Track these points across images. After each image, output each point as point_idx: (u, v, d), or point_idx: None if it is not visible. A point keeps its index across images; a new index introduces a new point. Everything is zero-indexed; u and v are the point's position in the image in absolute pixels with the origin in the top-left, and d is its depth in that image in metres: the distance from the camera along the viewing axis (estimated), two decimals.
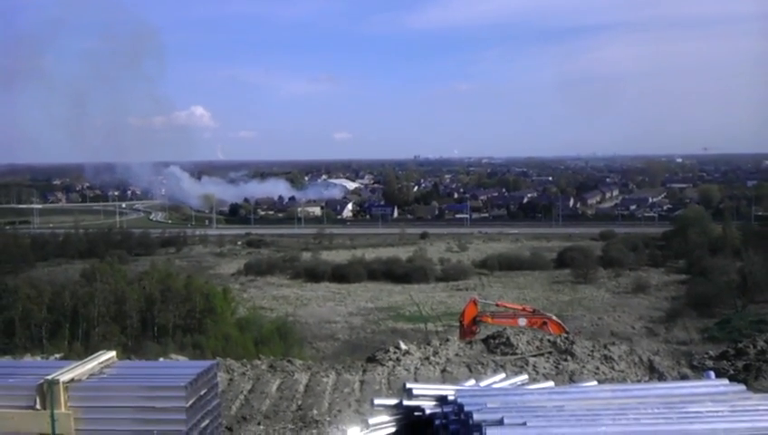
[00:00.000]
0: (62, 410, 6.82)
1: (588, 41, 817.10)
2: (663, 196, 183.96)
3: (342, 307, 72.07)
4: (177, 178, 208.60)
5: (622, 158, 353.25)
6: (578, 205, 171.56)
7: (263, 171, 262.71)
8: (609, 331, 55.12)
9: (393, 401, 7.63)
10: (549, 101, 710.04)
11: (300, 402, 11.53)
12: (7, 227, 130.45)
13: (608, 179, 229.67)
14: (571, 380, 12.10)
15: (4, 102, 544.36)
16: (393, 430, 7.35)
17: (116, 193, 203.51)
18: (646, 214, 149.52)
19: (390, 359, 13.67)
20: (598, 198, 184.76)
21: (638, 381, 12.11)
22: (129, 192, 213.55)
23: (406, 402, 7.37)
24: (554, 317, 27.89)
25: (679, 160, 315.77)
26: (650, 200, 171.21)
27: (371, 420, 7.41)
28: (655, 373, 12.85)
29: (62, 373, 6.95)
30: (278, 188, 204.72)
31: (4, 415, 6.87)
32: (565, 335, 16.57)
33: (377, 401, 7.85)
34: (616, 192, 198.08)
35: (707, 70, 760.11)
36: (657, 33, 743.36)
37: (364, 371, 13.13)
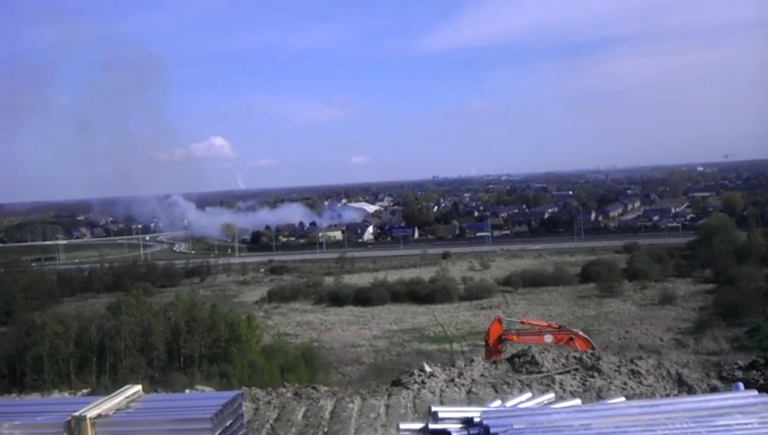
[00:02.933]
0: None
1: (600, 54, 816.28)
2: (685, 205, 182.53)
3: (367, 330, 71.94)
4: (181, 208, 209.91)
5: (642, 169, 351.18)
6: (600, 218, 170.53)
7: (282, 198, 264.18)
8: (638, 344, 54.63)
9: (419, 425, 7.58)
10: (565, 116, 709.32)
11: (326, 429, 11.49)
12: (33, 264, 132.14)
13: (629, 191, 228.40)
14: (599, 396, 11.97)
15: (26, 142, 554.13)
16: None
17: (139, 226, 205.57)
18: (669, 224, 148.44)
19: (415, 382, 13.60)
20: (620, 211, 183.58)
21: (667, 396, 11.95)
22: (152, 225, 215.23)
23: (432, 426, 7.32)
24: (581, 333, 27.69)
25: (700, 169, 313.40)
26: (673, 210, 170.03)
27: None
28: (684, 386, 12.67)
29: (88, 409, 7.00)
30: (294, 215, 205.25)
31: None
32: (591, 351, 16.41)
33: (403, 426, 7.81)
34: (638, 204, 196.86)
35: (724, 77, 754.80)
36: (670, 43, 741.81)
37: (389, 395, 13.07)
